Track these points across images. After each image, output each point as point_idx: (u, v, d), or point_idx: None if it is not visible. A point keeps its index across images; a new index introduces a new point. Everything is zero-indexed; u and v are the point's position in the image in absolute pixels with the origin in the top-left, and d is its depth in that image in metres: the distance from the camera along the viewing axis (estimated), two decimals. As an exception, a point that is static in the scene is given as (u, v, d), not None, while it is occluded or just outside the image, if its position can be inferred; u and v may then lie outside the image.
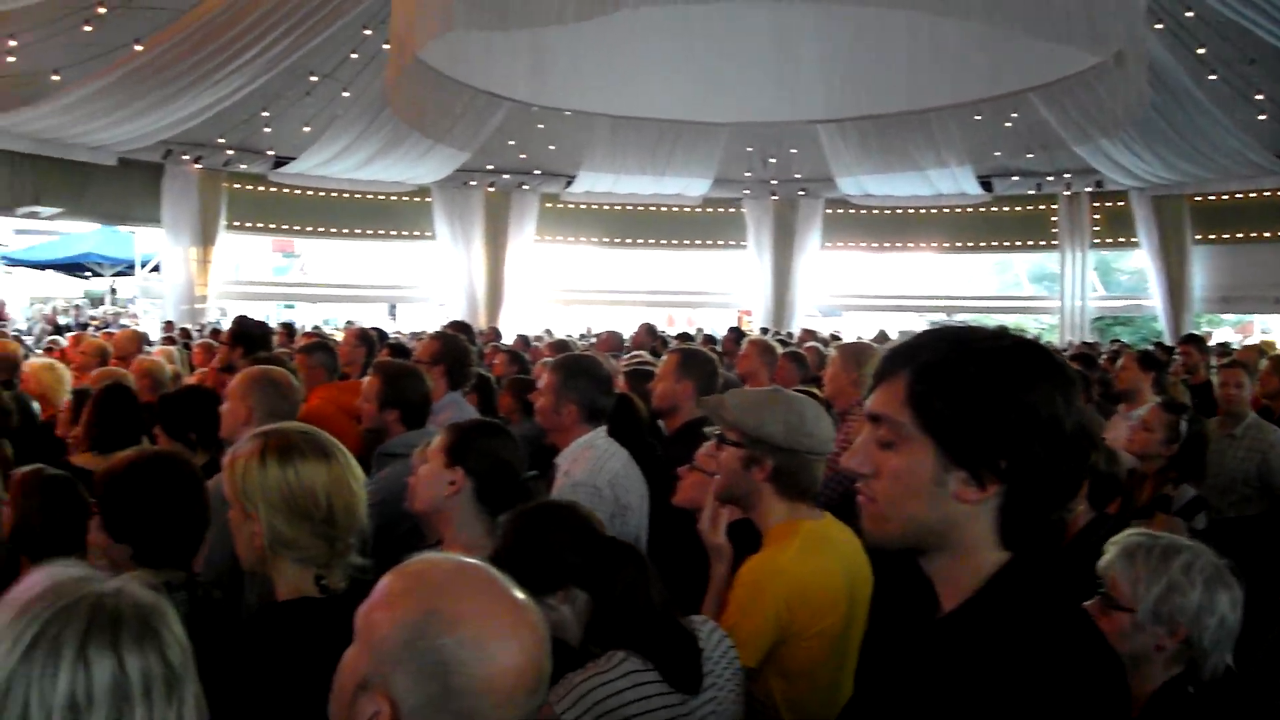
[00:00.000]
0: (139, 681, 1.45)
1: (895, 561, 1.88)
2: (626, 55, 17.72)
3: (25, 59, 16.44)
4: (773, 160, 25.17)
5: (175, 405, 4.63)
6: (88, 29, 15.64)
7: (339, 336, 10.71)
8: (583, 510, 2.91)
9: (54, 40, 15.91)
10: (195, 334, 17.65)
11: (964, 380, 1.64)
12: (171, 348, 10.50)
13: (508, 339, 15.02)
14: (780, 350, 7.91)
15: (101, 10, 14.99)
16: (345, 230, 26.72)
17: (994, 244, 28.26)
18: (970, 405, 1.63)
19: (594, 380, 4.36)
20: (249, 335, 6.45)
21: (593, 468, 4.14)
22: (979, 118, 20.07)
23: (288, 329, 13.19)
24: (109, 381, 5.45)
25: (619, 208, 27.48)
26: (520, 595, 1.62)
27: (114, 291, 26.26)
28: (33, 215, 21.73)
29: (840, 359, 6.00)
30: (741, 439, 3.34)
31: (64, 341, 13.25)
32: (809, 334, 17.28)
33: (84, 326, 20.38)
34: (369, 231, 26.93)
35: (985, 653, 1.60)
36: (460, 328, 8.92)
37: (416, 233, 26.93)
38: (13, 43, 15.73)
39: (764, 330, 22.08)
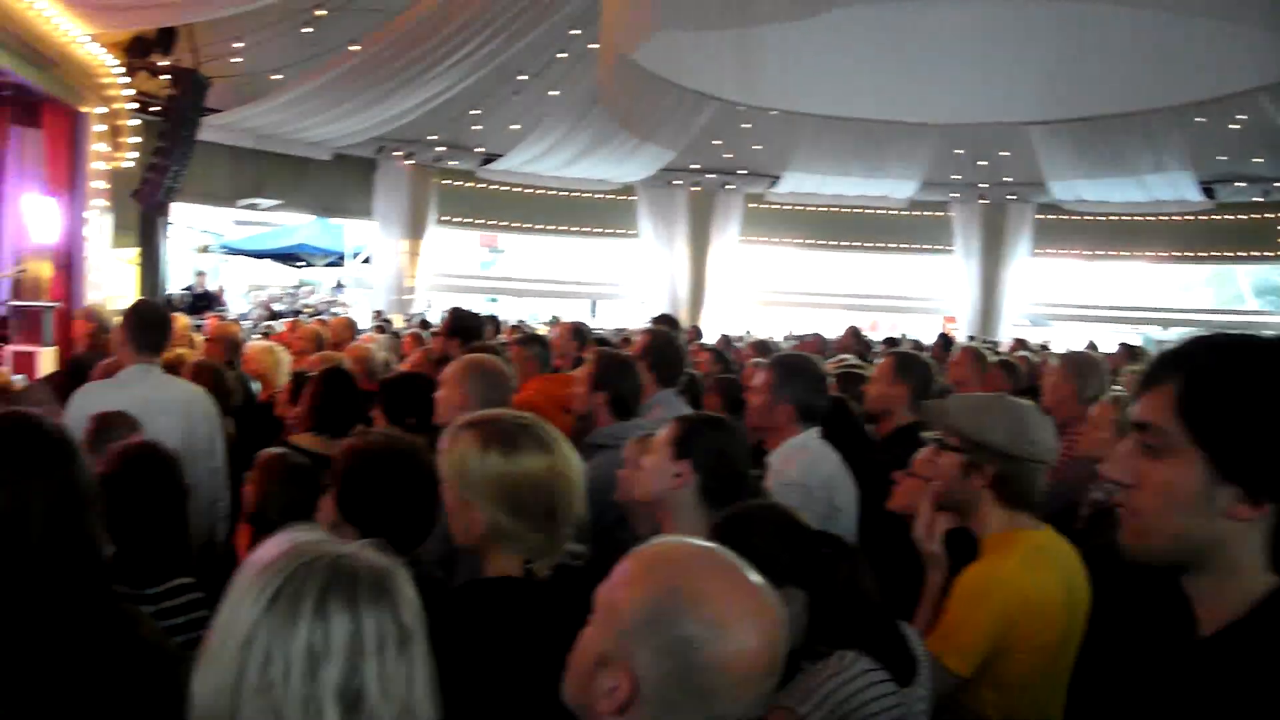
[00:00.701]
0: (373, 638, 1.50)
1: (1123, 577, 1.80)
2: (835, 54, 17.57)
3: (249, 60, 17.22)
4: (982, 163, 24.56)
5: (395, 390, 4.76)
6: (307, 30, 16.28)
7: (541, 331, 10.90)
8: (785, 508, 2.87)
9: (275, 42, 16.60)
10: (403, 323, 18.23)
11: (1239, 389, 1.55)
12: (381, 336, 10.83)
13: (709, 339, 15.02)
14: (992, 358, 7.73)
15: (320, 12, 15.58)
16: (550, 226, 27.07)
17: (1215, 254, 26.91)
18: (1246, 417, 1.54)
19: (810, 380, 4.32)
20: (464, 326, 6.60)
21: (806, 469, 4.09)
22: (1201, 120, 19.18)
23: (493, 322, 13.49)
24: (330, 365, 5.64)
25: (823, 209, 27.11)
26: (759, 579, 1.66)
27: (339, 284, 27.27)
28: (252, 207, 22.78)
29: (1063, 369, 5.84)
30: (962, 444, 3.27)
31: (280, 327, 13.83)
32: (1020, 343, 16.81)
33: (297, 313, 21.17)
34: (573, 228, 27.27)
35: (1258, 681, 1.51)
36: (668, 322, 8.95)
37: (620, 230, 27.19)
38: (238, 45, 16.50)
39: (970, 338, 21.62)
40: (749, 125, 21.89)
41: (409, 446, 3.15)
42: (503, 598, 2.52)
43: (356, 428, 4.50)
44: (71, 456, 2.17)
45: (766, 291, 28.78)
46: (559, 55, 19.16)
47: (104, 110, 14.65)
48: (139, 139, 15.47)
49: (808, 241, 28.40)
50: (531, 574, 2.57)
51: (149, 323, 4.88)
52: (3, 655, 2.01)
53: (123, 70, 14.87)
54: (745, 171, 26.18)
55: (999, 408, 3.31)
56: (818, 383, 4.36)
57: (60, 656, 2.06)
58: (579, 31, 18.12)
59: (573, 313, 23.22)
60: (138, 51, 15.39)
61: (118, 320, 5.56)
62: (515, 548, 2.55)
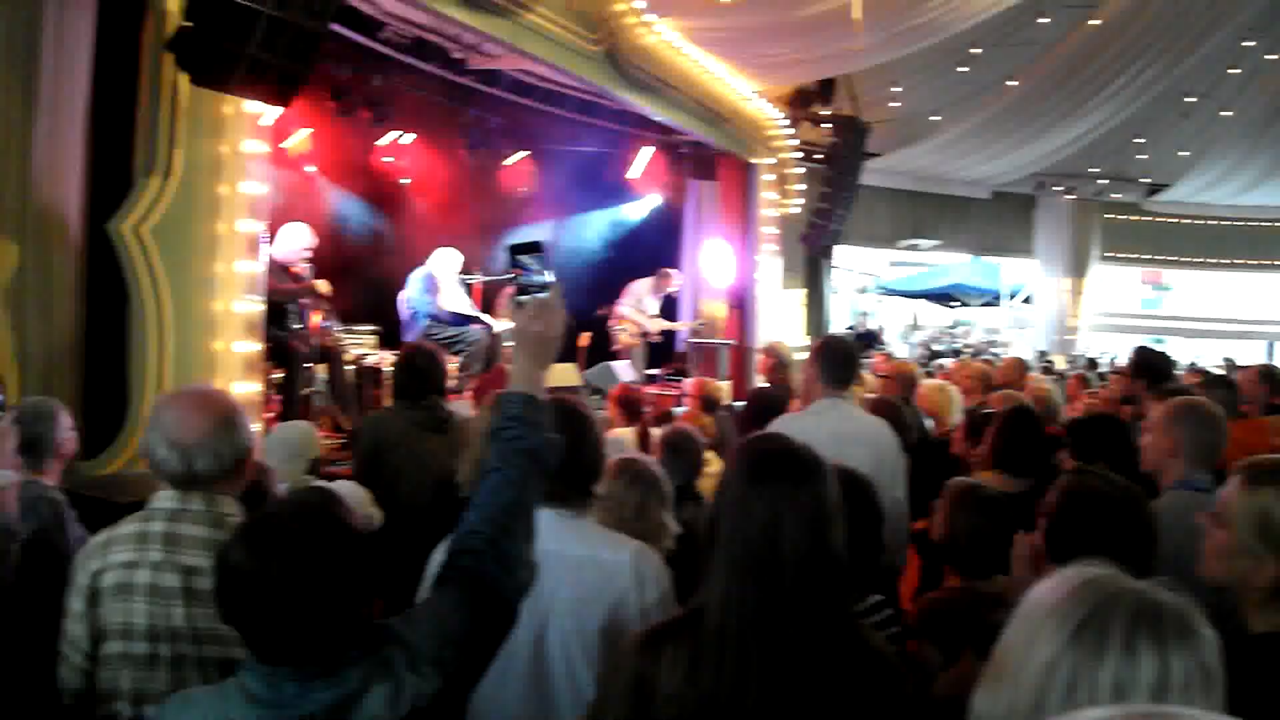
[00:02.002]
0: (1180, 679, 1.45)
1: None
2: None
3: (906, 103, 17.66)
4: None
5: (1087, 431, 4.67)
6: (962, 70, 16.41)
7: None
8: None
9: (932, 83, 16.91)
10: (1065, 364, 17.83)
11: None
12: (1047, 376, 10.63)
13: None
14: None
15: (975, 50, 15.64)
16: (1224, 260, 25.12)
17: None
18: None
19: None
20: (1152, 366, 6.35)
21: None
22: None
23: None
24: (1015, 404, 5.62)
25: None
26: None
27: (1003, 324, 27.23)
28: (912, 248, 23.27)
29: None
30: None
31: (946, 365, 14.02)
32: None
33: (956, 353, 21.37)
34: (1250, 262, 25.13)
35: None
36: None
37: (1308, 264, 24.74)
38: (895, 89, 16.97)
39: None
40: None
41: (1129, 492, 3.07)
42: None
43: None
44: (821, 475, 2.31)
45: None
46: (1230, 71, 17.85)
47: (772, 161, 15.71)
48: (804, 186, 16.39)
49: None
50: None
51: (839, 359, 5.10)
52: (759, 662, 2.19)
53: (788, 122, 15.85)
54: None
55: None
56: None
57: (812, 664, 2.20)
58: (1253, 43, 16.80)
59: (1248, 355, 21.52)
60: (800, 103, 16.28)
61: (796, 357, 5.88)
62: None
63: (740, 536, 2.23)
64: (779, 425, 4.84)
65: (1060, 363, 18.50)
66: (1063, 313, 23.80)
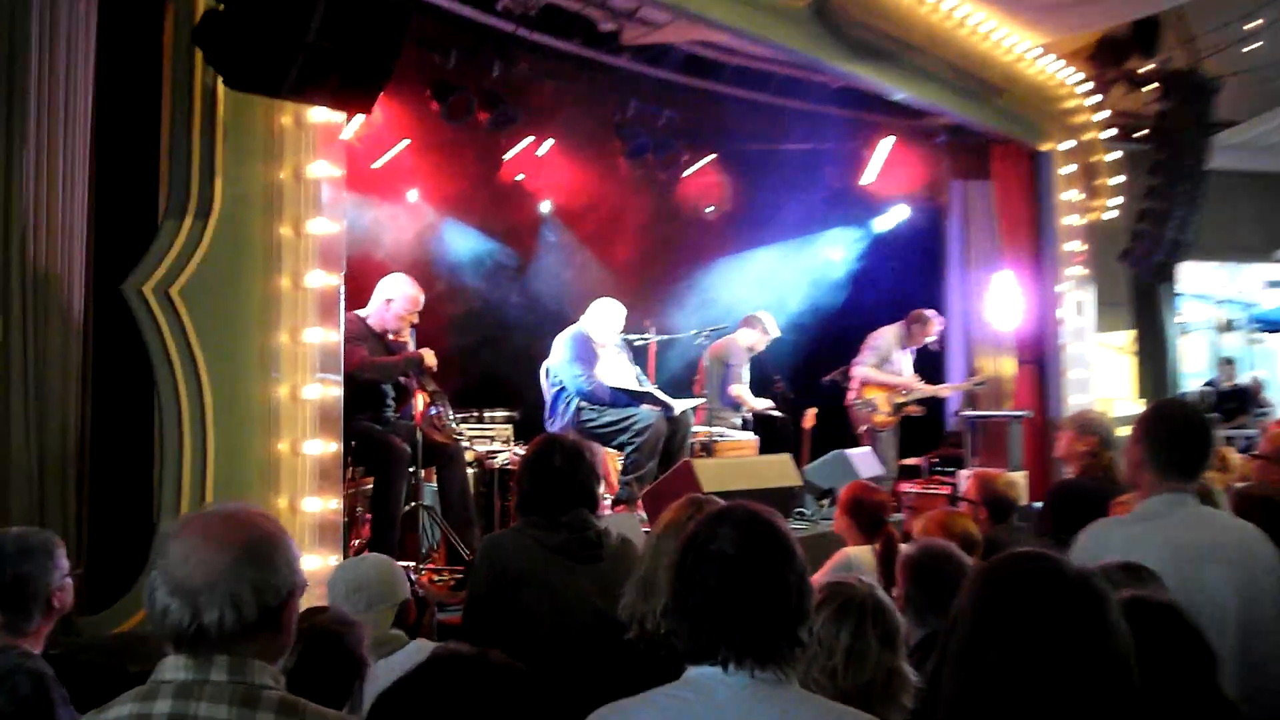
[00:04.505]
0: None
1: None
2: None
3: (1270, 43, 17.00)
4: None
5: None
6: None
7: None
8: None
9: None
10: None
11: None
12: None
13: None
14: None
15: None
16: None
17: None
18: None
19: None
20: None
21: None
22: None
23: None
24: None
25: None
26: None
27: None
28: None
29: None
30: None
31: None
32: None
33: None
34: None
35: None
36: None
37: None
38: (1250, 25, 16.35)
39: None
40: None
41: None
42: None
43: None
44: (1098, 617, 2.31)
45: None
46: None
47: (1070, 145, 15.32)
48: (1123, 179, 15.97)
49: None
50: None
51: (1178, 434, 4.81)
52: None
53: (1091, 88, 15.44)
54: None
55: None
56: None
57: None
58: None
59: None
60: (1108, 59, 15.82)
61: (1124, 432, 5.64)
62: None
63: (969, 699, 2.16)
64: (1089, 538, 4.72)
65: None
66: None
